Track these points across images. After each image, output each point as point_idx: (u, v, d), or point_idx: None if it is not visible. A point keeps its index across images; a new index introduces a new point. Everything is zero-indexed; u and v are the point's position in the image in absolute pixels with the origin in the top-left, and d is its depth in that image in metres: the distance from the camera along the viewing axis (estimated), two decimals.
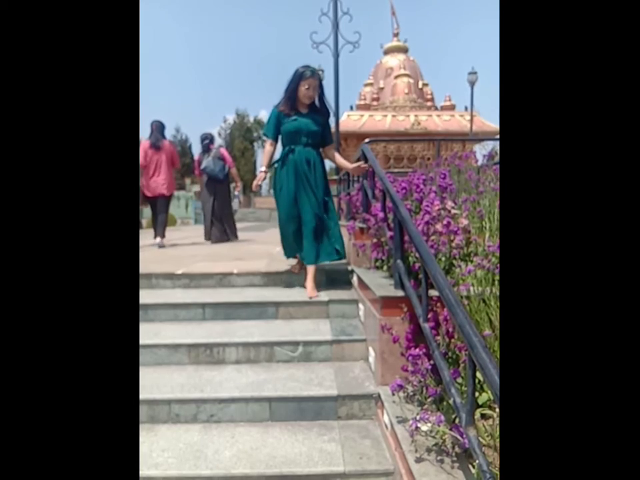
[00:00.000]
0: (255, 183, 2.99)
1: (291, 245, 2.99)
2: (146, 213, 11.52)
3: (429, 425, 1.51)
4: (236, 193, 6.52)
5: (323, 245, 2.90)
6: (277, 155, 3.05)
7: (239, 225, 6.63)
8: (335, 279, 3.16)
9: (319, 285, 2.99)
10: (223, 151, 5.83)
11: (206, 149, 5.73)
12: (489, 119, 14.61)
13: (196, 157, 5.99)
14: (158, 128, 5.25)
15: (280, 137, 2.94)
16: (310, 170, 2.86)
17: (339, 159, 3.04)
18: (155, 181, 5.14)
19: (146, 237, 5.92)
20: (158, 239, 5.21)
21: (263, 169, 2.98)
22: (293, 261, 3.25)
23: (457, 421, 1.42)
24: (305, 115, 2.86)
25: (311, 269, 2.90)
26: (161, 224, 5.25)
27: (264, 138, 3.05)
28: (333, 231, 2.92)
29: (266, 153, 3.01)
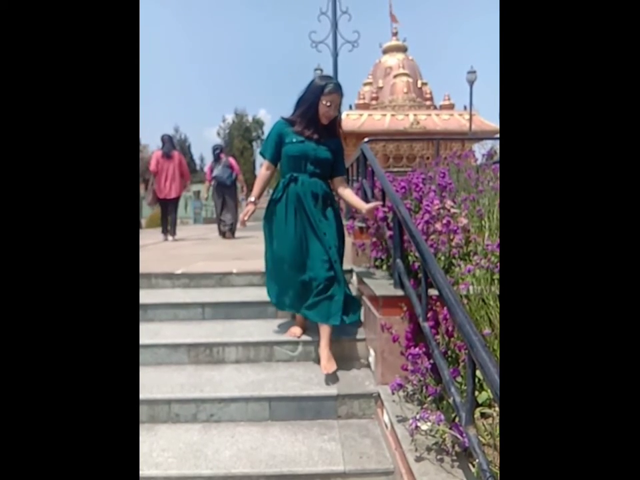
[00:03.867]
0: (241, 217, 2.43)
1: (292, 301, 2.35)
2: (145, 212, 11.57)
3: (429, 424, 1.52)
4: (242, 196, 7.28)
5: (336, 300, 2.21)
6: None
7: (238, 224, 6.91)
8: None
9: None
10: (232, 160, 6.60)
11: (217, 158, 6.47)
12: (488, 118, 14.60)
13: (208, 165, 6.84)
14: (169, 140, 6.22)
15: (280, 161, 2.36)
16: (318, 206, 2.27)
17: (349, 195, 2.41)
18: (165, 186, 6.03)
19: (145, 237, 6.25)
20: (170, 237, 6.25)
21: (252, 198, 2.37)
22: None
23: (456, 419, 1.42)
24: (316, 136, 2.25)
25: (325, 331, 2.23)
26: (172, 223, 6.30)
27: (261, 160, 2.45)
28: (343, 284, 2.30)
29: (259, 177, 2.40)
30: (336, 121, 2.31)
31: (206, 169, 6.89)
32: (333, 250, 2.24)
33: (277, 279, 2.38)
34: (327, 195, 2.33)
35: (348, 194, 2.41)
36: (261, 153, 2.40)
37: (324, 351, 2.22)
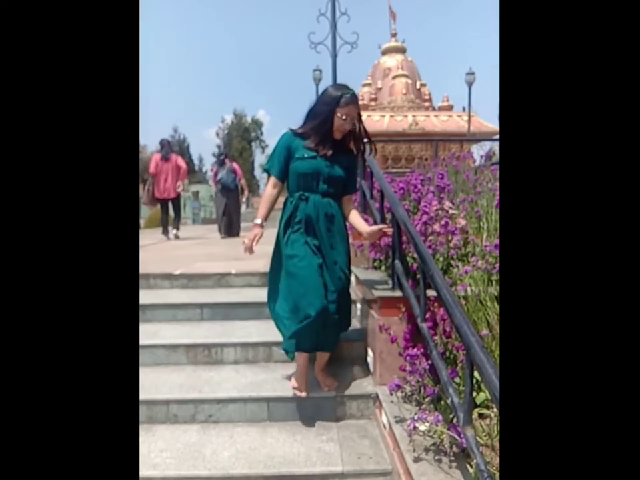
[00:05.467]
0: (247, 243, 2.10)
1: (313, 333, 1.98)
2: (144, 212, 11.63)
3: (427, 424, 1.52)
4: (243, 199, 7.75)
5: (337, 331, 2.13)
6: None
7: None
8: None
9: None
10: (235, 165, 7.23)
11: (221, 163, 7.09)
12: (487, 119, 14.62)
13: (213, 168, 7.52)
14: (167, 144, 6.75)
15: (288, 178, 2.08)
16: (331, 230, 2.03)
17: (353, 216, 2.15)
18: (164, 186, 6.46)
19: (144, 237, 6.46)
20: (174, 231, 6.85)
21: (258, 221, 2.09)
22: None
23: (454, 420, 1.43)
24: (330, 153, 2.01)
25: (323, 357, 2.15)
26: (176, 220, 6.96)
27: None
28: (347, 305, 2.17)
29: (265, 197, 2.13)
30: (350, 135, 2.07)
31: (212, 173, 7.56)
32: (343, 280, 2.04)
33: (301, 312, 1.99)
34: (341, 215, 2.10)
35: (353, 216, 2.16)
36: (266, 170, 2.14)
37: (321, 374, 2.14)
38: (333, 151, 2.02)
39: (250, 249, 2.11)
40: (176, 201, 6.73)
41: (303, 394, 2.05)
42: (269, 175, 2.11)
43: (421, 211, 2.27)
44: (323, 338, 2.02)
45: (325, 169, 2.00)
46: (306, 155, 2.00)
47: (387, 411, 1.82)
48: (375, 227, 2.06)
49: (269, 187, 2.12)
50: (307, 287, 1.94)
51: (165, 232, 6.75)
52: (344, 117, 1.95)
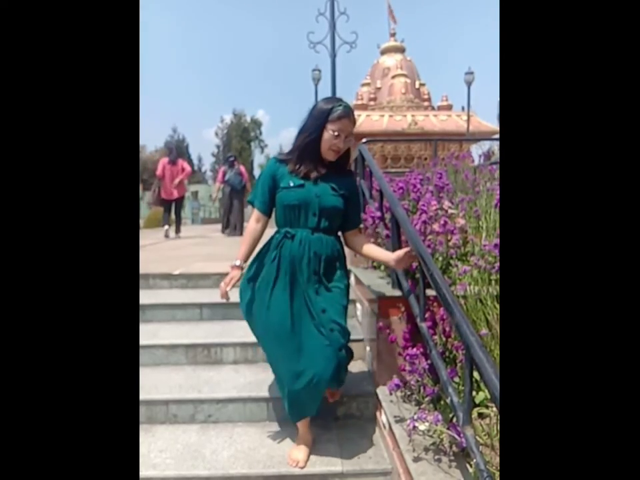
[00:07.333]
0: (222, 288, 1.78)
1: (302, 400, 1.74)
2: (143, 212, 11.75)
3: (427, 424, 1.52)
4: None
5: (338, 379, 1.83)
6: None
7: None
8: None
9: None
10: (242, 168, 7.84)
11: (230, 165, 7.71)
12: (486, 119, 14.64)
13: (221, 168, 8.10)
14: (175, 149, 7.70)
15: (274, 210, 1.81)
16: (319, 271, 1.71)
17: (372, 251, 1.87)
18: (170, 188, 6.94)
19: (144, 237, 6.58)
20: (172, 234, 7.20)
21: (237, 262, 1.78)
22: None
23: (454, 420, 1.43)
24: (320, 178, 1.73)
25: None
26: (177, 221, 7.42)
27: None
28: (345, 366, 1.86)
29: (248, 233, 1.82)
30: (347, 156, 1.82)
31: (219, 172, 8.07)
32: (336, 333, 1.69)
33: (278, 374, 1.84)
34: (336, 254, 1.78)
35: (369, 248, 1.86)
36: (250, 202, 1.85)
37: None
38: (324, 175, 1.72)
39: (225, 295, 1.79)
40: (179, 202, 7.25)
41: (302, 459, 1.74)
42: (254, 207, 1.83)
43: (420, 211, 2.27)
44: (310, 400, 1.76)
45: (314, 200, 1.69)
46: (292, 184, 1.70)
47: (386, 410, 1.82)
48: (400, 252, 1.74)
49: (251, 221, 1.82)
50: (277, 349, 1.74)
51: (167, 224, 7.19)
52: (336, 133, 1.67)
